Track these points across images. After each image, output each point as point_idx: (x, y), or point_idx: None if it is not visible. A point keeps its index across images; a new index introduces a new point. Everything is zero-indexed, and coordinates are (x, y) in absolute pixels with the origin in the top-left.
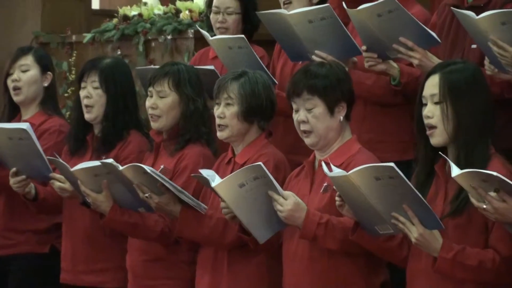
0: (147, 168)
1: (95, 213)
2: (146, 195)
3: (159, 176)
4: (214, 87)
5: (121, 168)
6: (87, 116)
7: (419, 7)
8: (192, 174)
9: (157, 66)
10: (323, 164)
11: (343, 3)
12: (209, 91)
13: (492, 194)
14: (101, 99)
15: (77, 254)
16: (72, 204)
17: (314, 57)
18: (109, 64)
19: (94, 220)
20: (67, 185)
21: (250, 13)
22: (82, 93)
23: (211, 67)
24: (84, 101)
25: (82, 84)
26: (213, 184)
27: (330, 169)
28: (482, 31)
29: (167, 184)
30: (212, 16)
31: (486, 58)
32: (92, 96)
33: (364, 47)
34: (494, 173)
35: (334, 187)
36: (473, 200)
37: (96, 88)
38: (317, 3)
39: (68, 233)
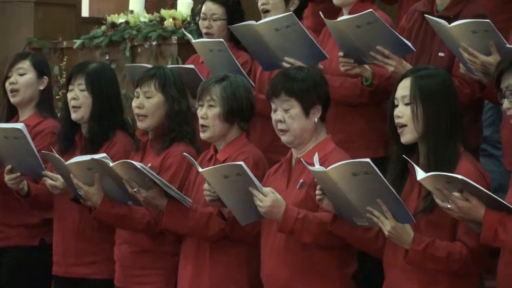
0: (137, 164)
1: (84, 209)
2: (135, 189)
3: (148, 171)
4: (195, 87)
5: (111, 164)
6: (73, 115)
7: (381, 13)
8: (184, 153)
9: (145, 64)
10: (303, 161)
11: (320, 13)
12: (189, 89)
13: (456, 194)
14: (87, 101)
15: (68, 248)
16: (63, 200)
17: (284, 64)
18: (95, 68)
19: (83, 215)
20: (58, 183)
21: (236, 20)
22: (70, 95)
23: (191, 66)
24: (71, 103)
25: (70, 87)
26: (200, 170)
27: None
28: (454, 38)
29: (155, 179)
30: (200, 22)
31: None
32: (78, 97)
33: (341, 53)
34: (458, 176)
35: (315, 180)
36: (438, 201)
37: (82, 90)
38: (295, 10)
39: (59, 228)
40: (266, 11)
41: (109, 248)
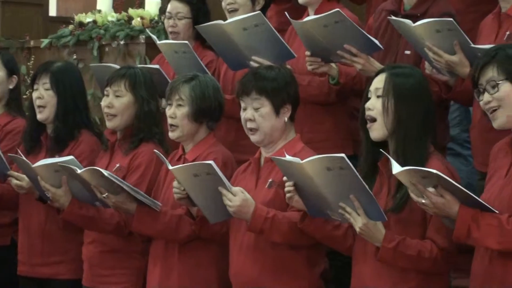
0: (104, 171)
1: (50, 208)
2: (104, 195)
3: (115, 178)
4: (161, 87)
5: (79, 171)
6: (39, 116)
7: (347, 12)
8: (154, 150)
9: (111, 64)
10: (285, 153)
11: (286, 13)
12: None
13: (431, 189)
14: (52, 100)
15: (33, 247)
16: (28, 200)
17: (252, 63)
18: (60, 67)
19: (49, 215)
20: (23, 183)
21: (201, 18)
22: (35, 94)
23: (156, 66)
24: (37, 102)
25: (35, 86)
26: (170, 167)
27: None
28: (419, 38)
29: (123, 185)
30: (165, 21)
31: (425, 61)
32: (43, 97)
33: (308, 53)
34: (433, 171)
35: (285, 174)
36: (412, 195)
37: (47, 89)
38: (260, 9)
39: (24, 227)
40: (233, 10)
41: (75, 248)
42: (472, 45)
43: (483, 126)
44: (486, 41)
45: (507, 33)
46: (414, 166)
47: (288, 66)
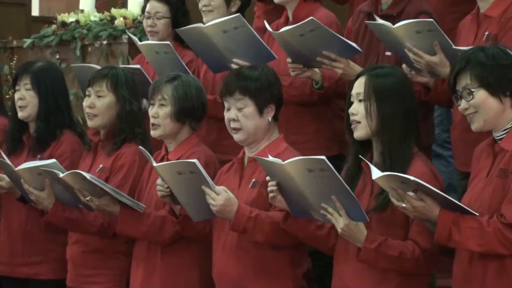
0: (86, 174)
1: (31, 209)
2: (87, 198)
3: (97, 181)
4: (141, 87)
5: (61, 175)
6: (20, 114)
7: (325, 11)
8: (140, 147)
9: (93, 65)
10: (268, 153)
11: (265, 22)
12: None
13: (411, 194)
14: (33, 100)
15: (14, 248)
16: (9, 200)
17: (232, 66)
18: (41, 67)
19: (30, 215)
20: (3, 182)
21: (180, 18)
22: (16, 95)
23: (137, 66)
24: (18, 102)
25: (16, 87)
26: (154, 164)
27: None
28: (399, 39)
29: (105, 188)
30: (144, 21)
31: (403, 63)
32: (25, 97)
33: (289, 60)
34: (411, 177)
35: (267, 174)
36: (393, 200)
37: (28, 89)
38: (236, 11)
39: (5, 227)
40: (208, 12)
41: (57, 248)
42: (454, 47)
43: (464, 126)
44: (465, 42)
45: (486, 33)
46: (399, 168)
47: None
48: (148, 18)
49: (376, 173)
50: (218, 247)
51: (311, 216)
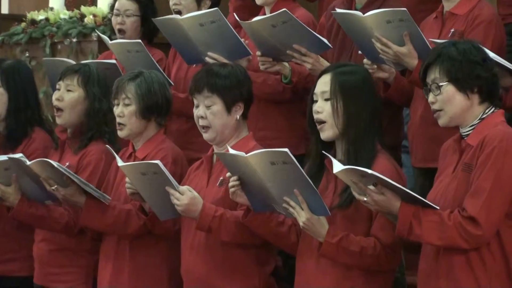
0: (53, 162)
1: (2, 207)
2: (53, 187)
3: (64, 170)
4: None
5: (28, 163)
6: None
7: (303, 10)
8: (106, 145)
9: (64, 58)
10: (228, 147)
11: (235, 14)
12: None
13: (371, 187)
14: (3, 97)
15: None
16: None
17: (207, 59)
18: (10, 65)
19: (1, 213)
20: None
21: (149, 16)
22: None
23: (113, 61)
24: None
25: None
26: (120, 164)
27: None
28: (367, 29)
29: (72, 177)
30: (113, 18)
31: (364, 57)
32: None
33: (258, 53)
34: (369, 171)
35: (227, 174)
36: (354, 193)
37: None
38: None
39: None
40: (178, 11)
41: (29, 245)
42: (431, 39)
43: (426, 122)
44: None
45: (452, 30)
46: (364, 166)
47: (250, 57)
48: (117, 15)
49: (337, 167)
50: (186, 246)
51: (273, 209)
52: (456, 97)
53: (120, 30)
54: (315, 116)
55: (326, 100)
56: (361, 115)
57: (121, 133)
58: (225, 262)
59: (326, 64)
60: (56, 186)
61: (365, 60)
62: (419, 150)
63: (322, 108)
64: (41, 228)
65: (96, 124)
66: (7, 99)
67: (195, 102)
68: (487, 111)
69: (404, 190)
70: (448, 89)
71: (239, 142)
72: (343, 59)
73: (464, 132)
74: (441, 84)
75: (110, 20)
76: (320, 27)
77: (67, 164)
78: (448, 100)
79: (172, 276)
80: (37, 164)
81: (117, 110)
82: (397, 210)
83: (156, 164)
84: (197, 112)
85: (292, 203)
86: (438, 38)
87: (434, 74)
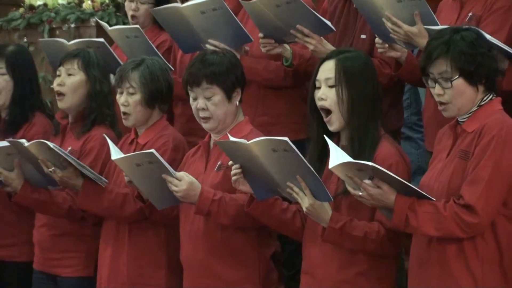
0: (51, 144)
1: (2, 192)
2: (50, 169)
3: (61, 151)
4: (111, 63)
5: (26, 144)
6: None
7: None
8: (103, 134)
9: (60, 39)
10: (229, 135)
11: None
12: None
13: (367, 181)
14: (8, 85)
15: None
16: None
17: (207, 46)
18: (14, 51)
19: (2, 198)
20: None
21: (162, 3)
22: None
23: (101, 39)
24: None
25: None
26: (113, 157)
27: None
28: (378, 8)
29: (69, 159)
30: (126, 3)
31: (376, 37)
32: None
33: (261, 34)
34: (368, 163)
35: (229, 163)
36: (349, 189)
37: (3, 74)
38: None
39: None
40: None
41: (29, 231)
42: (429, 27)
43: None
44: (446, 21)
45: (470, 14)
46: (368, 151)
47: (247, 48)
48: (131, 1)
49: (332, 162)
50: (185, 231)
51: (278, 194)
52: (467, 91)
53: (133, 16)
54: (319, 103)
55: (331, 87)
56: (365, 100)
57: (126, 123)
58: (225, 247)
59: (329, 46)
60: (53, 168)
61: (376, 39)
62: (433, 135)
63: (326, 95)
64: (44, 213)
65: (98, 107)
66: (12, 87)
67: (192, 95)
68: (485, 98)
69: (401, 181)
70: (460, 83)
71: (235, 127)
72: (345, 44)
73: (462, 118)
74: (453, 78)
75: (108, 5)
76: (323, 11)
77: (69, 149)
78: (459, 94)
79: (172, 261)
80: (35, 145)
81: (121, 99)
82: (393, 203)
83: (151, 153)
84: (197, 104)
85: (295, 188)
86: (456, 21)
87: (443, 67)
